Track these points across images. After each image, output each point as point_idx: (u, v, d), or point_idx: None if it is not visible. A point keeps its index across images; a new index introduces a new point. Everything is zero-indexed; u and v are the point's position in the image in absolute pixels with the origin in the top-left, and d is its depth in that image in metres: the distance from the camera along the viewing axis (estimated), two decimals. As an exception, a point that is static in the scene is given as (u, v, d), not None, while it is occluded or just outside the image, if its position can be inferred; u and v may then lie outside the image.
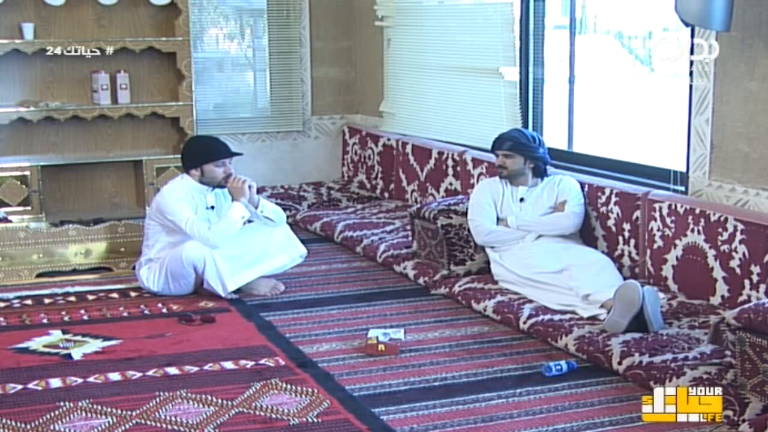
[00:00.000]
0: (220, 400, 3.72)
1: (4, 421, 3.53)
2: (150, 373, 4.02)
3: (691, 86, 4.68)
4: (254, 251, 5.15)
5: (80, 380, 3.94)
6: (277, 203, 6.94)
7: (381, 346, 4.23)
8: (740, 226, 4.24)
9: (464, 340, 4.45)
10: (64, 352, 4.31)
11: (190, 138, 5.41)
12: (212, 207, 5.24)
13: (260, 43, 7.61)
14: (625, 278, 4.67)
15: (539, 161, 5.12)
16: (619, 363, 3.90)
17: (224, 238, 5.05)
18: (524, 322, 4.47)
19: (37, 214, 6.27)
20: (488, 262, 5.13)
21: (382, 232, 6.14)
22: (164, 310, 4.95)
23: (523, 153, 5.08)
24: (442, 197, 6.25)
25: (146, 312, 4.94)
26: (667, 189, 4.87)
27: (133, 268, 5.44)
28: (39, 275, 5.51)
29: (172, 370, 4.05)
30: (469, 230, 5.21)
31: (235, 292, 5.10)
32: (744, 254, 4.22)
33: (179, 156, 6.63)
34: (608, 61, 7.01)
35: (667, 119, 5.63)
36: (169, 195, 5.14)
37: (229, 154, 5.23)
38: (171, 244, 5.13)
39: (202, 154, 5.18)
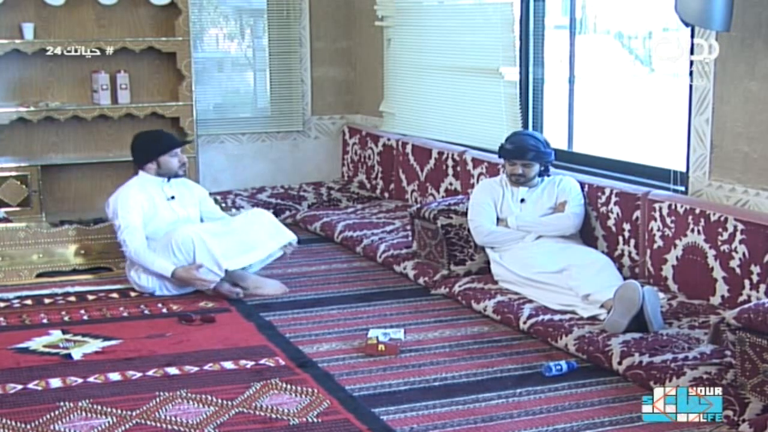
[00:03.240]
0: (220, 400, 3.72)
1: (4, 421, 3.53)
2: (150, 373, 4.02)
3: (691, 86, 4.68)
4: (244, 239, 5.16)
5: (80, 380, 3.95)
6: (277, 203, 6.97)
7: (381, 346, 4.23)
8: (740, 226, 4.24)
9: (464, 340, 4.45)
10: (64, 352, 4.31)
11: (137, 134, 5.44)
12: (173, 197, 5.29)
13: (260, 43, 7.61)
14: (625, 278, 4.67)
15: (549, 163, 5.14)
16: (619, 363, 3.90)
17: (139, 262, 5.10)
18: (524, 322, 4.47)
19: (37, 214, 6.26)
20: (488, 262, 5.14)
21: (382, 232, 6.14)
22: (164, 310, 4.95)
23: (541, 161, 5.08)
24: (442, 197, 6.24)
25: (146, 312, 4.94)
26: (667, 189, 4.87)
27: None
28: (39, 275, 5.50)
29: (172, 370, 4.05)
30: (469, 230, 5.21)
31: (242, 288, 5.12)
32: (744, 254, 4.22)
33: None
34: (608, 61, 7.01)
35: (667, 119, 5.62)
36: (121, 197, 5.18)
37: (179, 143, 5.38)
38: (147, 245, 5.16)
39: (155, 146, 5.27)
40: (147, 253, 5.08)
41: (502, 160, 5.24)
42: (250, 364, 4.13)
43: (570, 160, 5.71)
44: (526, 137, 5.17)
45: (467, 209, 5.27)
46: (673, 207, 4.63)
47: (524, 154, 5.05)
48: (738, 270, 4.26)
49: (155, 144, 5.29)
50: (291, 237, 5.36)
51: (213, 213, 5.49)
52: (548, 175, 5.20)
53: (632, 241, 4.90)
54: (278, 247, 5.31)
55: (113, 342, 4.44)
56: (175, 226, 5.17)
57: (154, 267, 5.06)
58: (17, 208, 6.24)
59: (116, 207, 5.15)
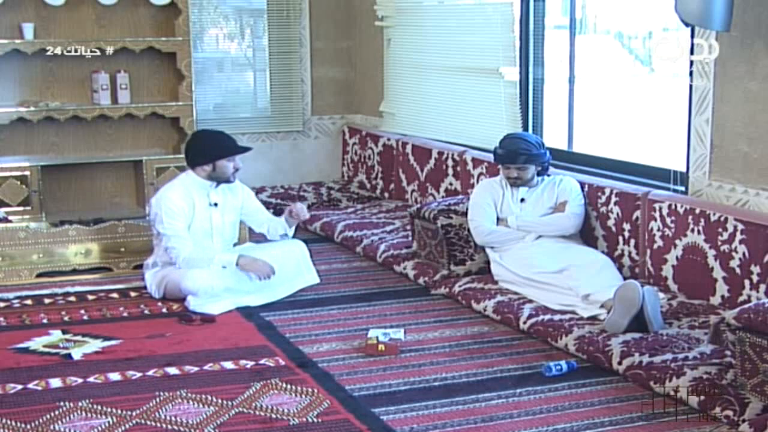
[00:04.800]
0: (220, 400, 3.72)
1: (4, 421, 3.53)
2: (150, 373, 4.02)
3: (691, 86, 4.68)
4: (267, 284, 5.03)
5: (80, 380, 3.94)
6: (277, 203, 6.97)
7: (381, 346, 4.23)
8: (740, 226, 4.24)
9: (464, 340, 4.45)
10: (64, 352, 4.31)
11: (196, 133, 5.29)
12: (216, 204, 5.16)
13: (260, 43, 7.61)
14: (625, 278, 4.67)
15: (546, 164, 5.13)
16: (619, 363, 3.90)
17: (193, 267, 4.94)
18: (524, 322, 4.47)
19: (37, 214, 6.27)
20: (488, 262, 5.14)
21: (382, 232, 6.14)
22: (164, 310, 4.95)
23: (536, 163, 5.07)
24: (442, 197, 6.25)
25: (146, 312, 4.93)
26: (667, 189, 4.87)
27: (136, 267, 5.47)
28: (39, 275, 5.50)
29: (172, 370, 4.05)
30: (469, 230, 5.21)
31: None
32: (744, 254, 4.22)
33: (179, 156, 6.63)
34: (608, 61, 7.01)
35: (667, 119, 5.63)
36: (165, 200, 5.03)
37: (240, 150, 5.17)
38: None
39: (214, 149, 5.08)
40: (199, 254, 4.96)
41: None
42: (250, 364, 4.13)
43: (570, 160, 5.71)
44: (517, 141, 5.11)
45: (467, 209, 5.27)
46: (673, 207, 4.63)
47: (516, 159, 5.05)
48: (738, 270, 4.26)
49: (215, 147, 5.08)
50: (315, 280, 5.26)
51: (257, 212, 5.33)
52: (548, 175, 5.20)
53: (632, 241, 4.90)
54: (298, 289, 5.19)
55: (113, 342, 4.44)
56: (210, 240, 5.09)
57: (213, 263, 4.93)
58: (17, 208, 6.25)
59: (160, 213, 4.99)
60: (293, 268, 5.16)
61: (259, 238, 5.51)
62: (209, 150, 5.09)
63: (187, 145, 5.26)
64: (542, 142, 5.22)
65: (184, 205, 5.05)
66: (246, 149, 5.23)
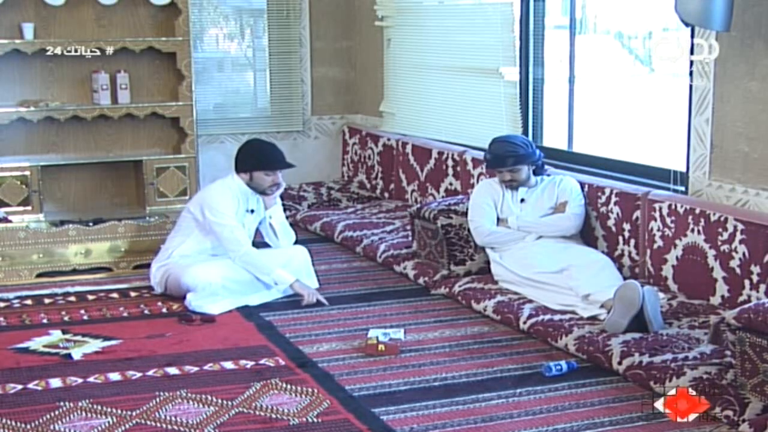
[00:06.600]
0: (220, 400, 3.72)
1: (4, 421, 3.53)
2: (150, 373, 4.02)
3: (691, 86, 4.68)
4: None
5: (80, 380, 3.95)
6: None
7: (381, 346, 4.23)
8: (740, 226, 4.24)
9: (464, 340, 4.45)
10: (64, 352, 4.31)
11: (248, 140, 5.36)
12: (252, 210, 5.23)
13: (260, 43, 7.61)
14: (625, 278, 4.67)
15: (538, 162, 5.13)
16: (619, 363, 3.90)
17: (245, 266, 5.00)
18: (524, 322, 4.47)
19: (37, 214, 6.27)
20: (488, 262, 5.14)
21: (382, 232, 6.14)
22: (164, 310, 4.95)
23: (526, 162, 5.07)
24: (442, 197, 6.24)
25: (146, 312, 4.94)
26: (667, 189, 4.87)
27: (136, 267, 5.47)
28: (39, 275, 5.50)
29: (172, 370, 4.05)
30: (469, 230, 5.21)
31: None
32: (744, 254, 4.22)
33: (179, 156, 6.65)
34: (608, 61, 7.01)
35: (667, 119, 5.63)
36: (217, 193, 5.13)
37: (280, 166, 5.19)
38: (191, 255, 5.10)
39: (254, 159, 5.15)
40: (260, 257, 5.02)
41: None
42: (250, 364, 4.13)
43: (570, 160, 5.71)
44: (503, 144, 5.11)
45: (467, 209, 5.27)
46: (673, 207, 4.63)
47: (504, 162, 5.05)
48: (738, 270, 4.26)
49: (254, 158, 5.14)
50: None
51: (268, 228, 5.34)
52: (547, 174, 5.21)
53: (632, 241, 4.90)
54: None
55: (113, 342, 4.44)
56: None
57: (272, 275, 4.98)
58: (17, 208, 6.25)
59: (212, 203, 5.06)
60: (294, 271, 5.16)
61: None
62: (249, 159, 5.16)
63: (237, 150, 5.30)
64: (529, 142, 5.20)
65: (232, 203, 5.13)
66: (287, 166, 5.24)
